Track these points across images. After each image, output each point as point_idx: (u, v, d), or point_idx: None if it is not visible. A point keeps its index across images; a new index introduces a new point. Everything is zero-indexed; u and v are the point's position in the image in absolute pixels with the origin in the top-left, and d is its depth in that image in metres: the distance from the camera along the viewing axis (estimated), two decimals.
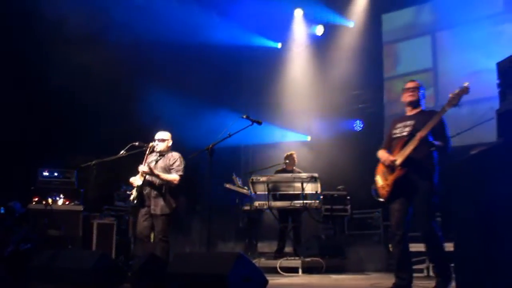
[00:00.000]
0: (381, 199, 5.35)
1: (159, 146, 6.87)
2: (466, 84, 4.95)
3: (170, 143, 6.98)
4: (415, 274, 5.16)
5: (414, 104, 5.43)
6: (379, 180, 5.35)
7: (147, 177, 6.68)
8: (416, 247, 5.80)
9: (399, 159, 5.13)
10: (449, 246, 7.24)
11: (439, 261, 5.14)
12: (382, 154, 5.38)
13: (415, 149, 5.03)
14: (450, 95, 4.97)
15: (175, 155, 6.87)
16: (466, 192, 3.17)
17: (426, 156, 5.11)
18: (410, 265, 5.30)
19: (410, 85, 5.49)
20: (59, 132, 9.85)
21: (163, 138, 6.92)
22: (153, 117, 10.02)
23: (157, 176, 6.63)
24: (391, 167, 5.21)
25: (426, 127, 4.99)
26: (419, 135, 5.00)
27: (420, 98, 5.43)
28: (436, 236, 5.08)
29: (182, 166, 6.80)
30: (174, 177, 6.69)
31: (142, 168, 6.65)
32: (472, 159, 3.28)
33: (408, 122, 5.31)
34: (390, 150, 5.36)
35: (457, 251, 3.36)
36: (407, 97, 5.46)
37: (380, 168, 5.37)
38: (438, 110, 5.09)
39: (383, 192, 5.28)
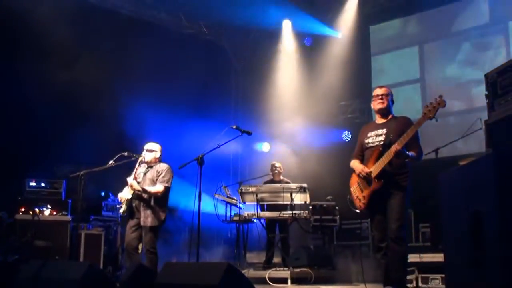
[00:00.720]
0: (357, 210, 5.30)
1: (147, 157, 6.85)
2: (441, 97, 4.88)
3: (158, 154, 6.95)
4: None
5: (384, 111, 5.35)
6: (355, 191, 5.30)
7: (136, 190, 6.65)
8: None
9: (374, 171, 5.07)
10: (438, 257, 7.33)
11: (399, 272, 5.05)
12: (356, 165, 5.29)
13: (389, 161, 4.98)
14: (425, 109, 4.90)
15: (163, 166, 6.86)
16: (456, 203, 3.18)
17: (400, 167, 5.08)
18: None
19: (378, 91, 5.38)
20: (47, 142, 9.78)
21: (151, 149, 6.90)
22: (141, 127, 10.00)
23: (143, 190, 6.60)
24: (367, 179, 5.16)
25: (401, 141, 4.91)
26: (395, 148, 4.91)
27: (390, 104, 5.36)
28: (404, 245, 5.03)
29: (168, 177, 6.77)
30: (158, 188, 6.67)
31: (130, 180, 6.63)
32: (462, 170, 3.29)
33: (380, 131, 5.23)
34: (363, 160, 5.31)
35: (447, 262, 3.36)
36: (376, 105, 5.35)
37: (354, 179, 5.32)
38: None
39: (359, 203, 5.24)
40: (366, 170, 5.12)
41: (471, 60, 10.50)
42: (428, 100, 10.73)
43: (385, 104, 5.30)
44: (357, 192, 5.25)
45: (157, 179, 6.72)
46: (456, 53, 10.77)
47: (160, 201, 6.68)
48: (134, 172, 6.73)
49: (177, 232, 10.61)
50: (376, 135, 5.20)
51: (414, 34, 11.57)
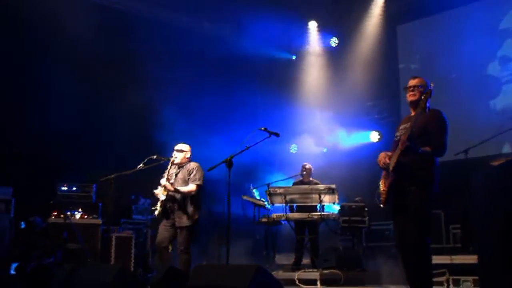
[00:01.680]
0: (381, 205, 5.08)
1: (177, 158, 6.89)
2: (431, 87, 4.74)
3: (188, 154, 6.99)
4: (436, 287, 4.99)
5: (416, 103, 5.00)
6: (381, 185, 5.09)
7: (169, 192, 6.70)
8: (436, 259, 5.65)
9: (391, 163, 4.87)
10: (469, 259, 7.23)
11: (422, 279, 4.78)
12: (381, 154, 5.05)
13: (403, 154, 4.74)
14: (421, 101, 4.79)
15: (193, 165, 6.91)
16: (490, 203, 3.13)
17: (415, 161, 4.80)
18: None
19: (411, 83, 5.11)
20: (77, 147, 9.91)
21: (181, 149, 6.95)
22: (170, 131, 10.06)
23: (176, 190, 6.65)
24: (388, 172, 4.97)
25: (405, 133, 4.74)
26: (401, 140, 4.74)
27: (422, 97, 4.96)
28: (426, 253, 4.79)
29: (199, 175, 6.81)
30: (190, 188, 6.72)
31: (163, 181, 6.69)
32: (497, 170, 3.23)
33: (408, 124, 4.93)
34: None
35: (481, 264, 3.30)
36: (407, 97, 5.09)
37: (384, 173, 5.09)
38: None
39: (382, 197, 5.03)
40: (386, 160, 4.93)
41: (505, 59, 10.33)
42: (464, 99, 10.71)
43: (416, 97, 5.00)
44: (382, 186, 5.07)
45: (188, 179, 6.77)
46: (496, 51, 10.56)
47: (193, 200, 6.73)
48: (166, 174, 6.77)
49: (206, 233, 10.65)
50: (404, 128, 4.98)
51: (447, 33, 11.35)
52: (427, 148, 4.78)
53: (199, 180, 6.77)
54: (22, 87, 9.28)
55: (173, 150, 6.98)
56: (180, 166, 6.94)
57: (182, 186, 6.76)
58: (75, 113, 9.96)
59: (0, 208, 8.25)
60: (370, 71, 11.95)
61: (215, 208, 10.04)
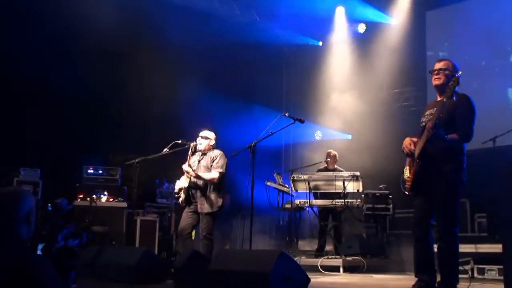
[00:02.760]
0: (406, 192, 4.95)
1: (202, 145, 6.86)
2: (457, 74, 4.56)
3: (212, 142, 6.93)
4: (460, 276, 4.90)
5: (442, 88, 4.81)
6: (406, 171, 4.97)
7: (192, 178, 6.70)
8: (461, 247, 5.54)
9: (417, 151, 4.74)
10: (495, 248, 7.14)
11: (449, 269, 4.72)
12: (406, 140, 4.90)
13: (429, 142, 4.61)
14: (447, 88, 4.59)
15: (216, 152, 6.84)
16: None
17: (442, 149, 4.66)
18: (432, 266, 4.83)
19: (437, 66, 4.90)
20: (104, 130, 10.01)
21: (206, 136, 6.90)
22: (194, 116, 10.09)
23: (198, 176, 6.64)
24: (413, 158, 4.83)
25: (432, 118, 4.57)
26: (427, 126, 4.58)
27: (449, 79, 4.73)
28: (452, 244, 4.70)
29: (222, 162, 6.73)
30: (213, 175, 6.67)
31: (185, 167, 6.68)
32: None
33: (434, 110, 4.76)
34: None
35: (506, 254, 3.25)
36: (433, 81, 4.90)
37: (409, 159, 4.95)
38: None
39: (407, 184, 4.89)
40: (412, 147, 4.80)
41: None
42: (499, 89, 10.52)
43: (441, 80, 4.83)
44: (407, 172, 4.95)
45: (211, 166, 6.74)
46: None
47: (216, 187, 6.69)
48: (188, 159, 6.75)
49: (230, 218, 10.70)
50: (430, 114, 4.81)
51: (476, 20, 11.10)
52: (454, 136, 4.65)
53: (221, 167, 6.70)
54: (49, 70, 9.35)
55: (197, 136, 6.94)
56: (204, 153, 6.91)
57: (205, 171, 6.74)
58: (101, 98, 10.06)
59: (28, 190, 8.39)
60: (398, 58, 11.78)
61: (239, 194, 10.07)
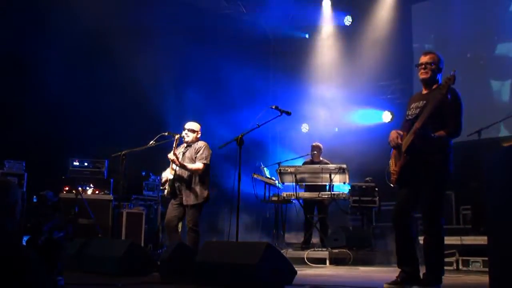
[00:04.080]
0: (392, 184, 4.97)
1: (188, 137, 6.84)
2: (452, 72, 4.54)
3: (199, 134, 6.92)
4: (445, 267, 4.93)
5: (428, 81, 4.87)
6: (391, 164, 4.98)
7: (177, 170, 6.68)
8: (447, 239, 5.57)
9: (404, 145, 4.75)
10: (479, 240, 7.21)
11: (435, 261, 4.72)
12: (391, 133, 4.90)
13: (417, 138, 4.62)
14: (440, 85, 4.62)
15: (200, 143, 6.82)
16: (502, 184, 3.09)
17: (429, 144, 4.66)
18: (414, 257, 4.83)
19: (423, 59, 4.89)
20: (89, 123, 9.96)
21: (192, 129, 6.87)
22: (180, 108, 10.06)
23: (182, 165, 6.62)
24: (399, 152, 4.84)
25: (421, 120, 4.58)
26: (415, 126, 4.60)
27: (435, 74, 4.83)
28: (437, 235, 4.72)
29: (206, 154, 6.72)
30: (197, 166, 6.65)
31: (170, 156, 6.63)
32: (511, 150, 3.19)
33: (421, 103, 4.79)
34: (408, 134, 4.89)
35: (492, 246, 3.28)
36: (419, 75, 4.90)
37: (394, 151, 4.97)
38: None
39: (393, 177, 4.91)
40: (398, 141, 4.82)
41: None
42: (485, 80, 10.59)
43: (428, 75, 4.85)
44: (393, 165, 4.96)
45: (195, 157, 6.73)
46: (509, 32, 10.38)
47: (201, 179, 6.68)
48: (173, 149, 6.70)
49: (216, 210, 10.70)
50: (417, 107, 4.82)
51: (462, 13, 11.17)
52: (442, 133, 4.66)
53: (206, 159, 6.69)
54: (34, 60, 9.27)
55: (183, 129, 6.91)
56: (188, 145, 6.89)
57: (189, 163, 6.72)
58: (88, 90, 10.00)
59: (13, 182, 8.32)
60: (384, 51, 11.83)
61: (225, 186, 10.07)
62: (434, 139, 4.63)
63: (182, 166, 6.63)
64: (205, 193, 6.67)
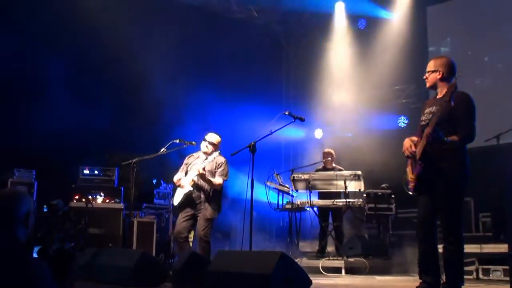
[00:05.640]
0: (410, 193, 4.97)
1: (208, 149, 6.86)
2: (457, 75, 4.64)
3: (218, 147, 6.96)
4: (465, 277, 4.89)
5: (432, 88, 4.98)
6: (408, 172, 4.97)
7: (197, 181, 6.73)
8: (466, 247, 5.52)
9: (417, 152, 4.75)
10: (500, 248, 7.16)
11: (454, 270, 4.71)
12: (406, 141, 4.90)
13: (429, 144, 4.63)
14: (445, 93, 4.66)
15: (221, 159, 6.91)
16: None
17: (443, 150, 4.67)
18: (436, 267, 4.82)
19: (428, 67, 4.99)
20: (100, 130, 10.01)
21: (213, 142, 6.91)
22: (193, 114, 10.09)
23: (208, 180, 6.69)
24: (415, 159, 4.84)
25: (431, 125, 4.57)
26: (425, 131, 4.60)
27: (440, 80, 4.86)
28: (457, 244, 4.69)
29: (227, 171, 6.88)
30: (219, 181, 6.78)
31: (200, 169, 6.62)
32: None
33: (433, 108, 4.80)
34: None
35: None
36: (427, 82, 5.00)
37: (411, 159, 4.96)
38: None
39: (411, 185, 4.91)
40: (411, 149, 4.81)
41: None
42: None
43: (430, 83, 4.93)
44: (410, 173, 4.96)
45: (215, 171, 6.82)
46: None
47: (217, 193, 6.81)
48: (195, 161, 6.78)
49: (229, 219, 10.70)
50: (430, 112, 4.83)
51: (478, 15, 11.10)
52: (454, 137, 4.65)
53: (226, 175, 6.86)
54: (42, 68, 9.36)
55: (203, 139, 6.93)
56: (207, 155, 6.90)
57: (210, 177, 6.79)
58: (98, 97, 10.06)
59: (25, 192, 8.39)
60: (399, 54, 11.79)
61: (238, 194, 10.08)
62: (446, 142, 4.62)
63: (207, 181, 6.70)
64: (219, 207, 6.80)
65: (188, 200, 6.77)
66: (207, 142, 6.90)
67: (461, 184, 4.74)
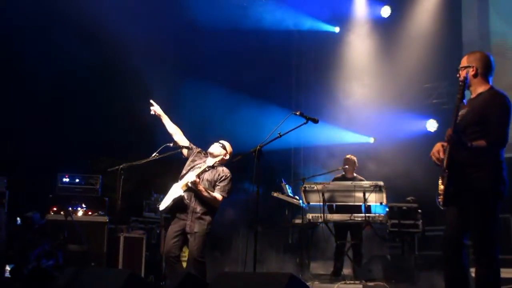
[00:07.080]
0: (441, 207, 4.92)
1: (221, 153, 6.89)
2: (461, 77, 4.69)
3: (227, 156, 6.95)
4: None
5: (467, 87, 4.91)
6: (440, 183, 4.92)
7: (191, 185, 6.70)
8: (504, 272, 5.52)
9: (445, 159, 4.73)
10: None
11: None
12: (436, 145, 4.89)
13: (455, 149, 4.65)
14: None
15: (226, 172, 6.87)
16: None
17: (472, 157, 4.68)
18: None
19: (461, 63, 5.04)
20: (81, 133, 10.06)
21: (227, 151, 6.95)
22: (195, 115, 10.12)
23: (201, 193, 6.66)
24: (443, 167, 4.81)
25: (452, 124, 4.62)
26: (447, 132, 4.61)
27: (473, 76, 4.90)
28: (491, 266, 4.67)
29: (229, 187, 6.82)
30: (217, 196, 6.73)
31: (192, 174, 6.65)
32: None
33: (464, 110, 4.84)
34: None
35: None
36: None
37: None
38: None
39: (440, 198, 4.87)
40: (438, 155, 4.82)
41: None
42: None
43: (461, 80, 4.86)
44: (440, 184, 4.90)
45: (216, 185, 6.79)
46: None
47: (213, 209, 6.78)
48: (201, 171, 6.75)
49: (231, 236, 10.71)
50: (462, 115, 4.85)
51: None
52: (481, 142, 4.65)
53: (227, 193, 6.80)
54: (19, 63, 9.44)
55: (214, 143, 6.96)
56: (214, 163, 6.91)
57: (208, 188, 6.75)
58: (80, 98, 10.13)
59: None
60: (429, 47, 11.82)
61: (241, 207, 10.11)
62: (470, 148, 4.62)
63: (200, 193, 6.65)
64: (211, 221, 6.74)
65: (177, 206, 6.70)
66: (221, 145, 6.93)
67: (494, 199, 4.72)
